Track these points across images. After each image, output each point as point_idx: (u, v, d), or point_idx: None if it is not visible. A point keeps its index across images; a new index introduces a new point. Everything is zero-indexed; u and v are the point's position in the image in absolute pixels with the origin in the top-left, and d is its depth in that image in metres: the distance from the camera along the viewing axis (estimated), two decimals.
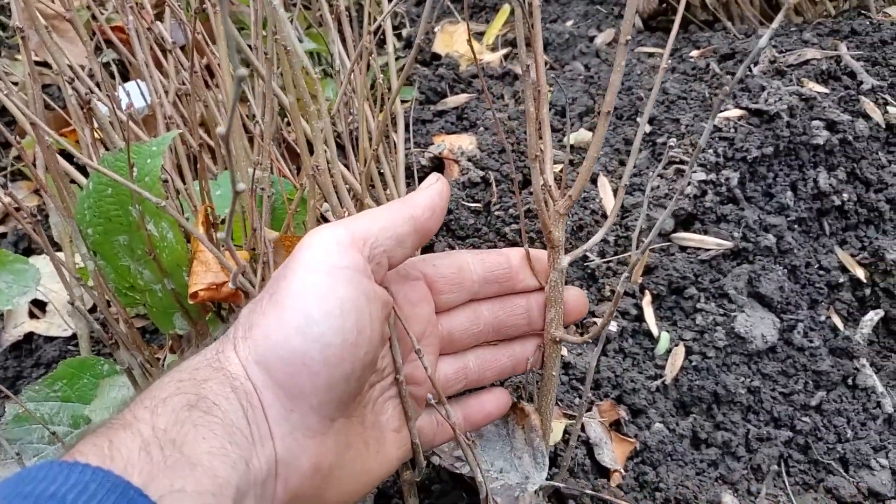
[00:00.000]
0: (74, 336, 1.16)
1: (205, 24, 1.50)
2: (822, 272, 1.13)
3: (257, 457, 0.50)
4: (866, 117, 1.17)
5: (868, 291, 1.14)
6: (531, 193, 1.15)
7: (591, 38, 1.52)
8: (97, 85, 0.97)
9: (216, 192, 0.92)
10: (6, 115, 1.63)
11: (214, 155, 1.11)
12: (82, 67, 1.43)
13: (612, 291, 1.07)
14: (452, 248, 1.14)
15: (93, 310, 1.16)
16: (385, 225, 0.59)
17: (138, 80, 1.25)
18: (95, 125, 0.85)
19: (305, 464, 0.54)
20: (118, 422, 0.46)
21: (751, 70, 1.26)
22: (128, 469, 0.42)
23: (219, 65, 0.94)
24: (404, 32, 1.70)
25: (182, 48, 1.15)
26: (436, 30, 1.61)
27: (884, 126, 1.17)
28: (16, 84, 1.62)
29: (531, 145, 0.67)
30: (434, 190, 0.64)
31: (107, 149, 0.89)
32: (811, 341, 1.07)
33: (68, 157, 1.22)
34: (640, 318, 1.06)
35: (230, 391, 0.51)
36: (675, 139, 1.18)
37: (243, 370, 0.52)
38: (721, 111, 1.19)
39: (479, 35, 1.62)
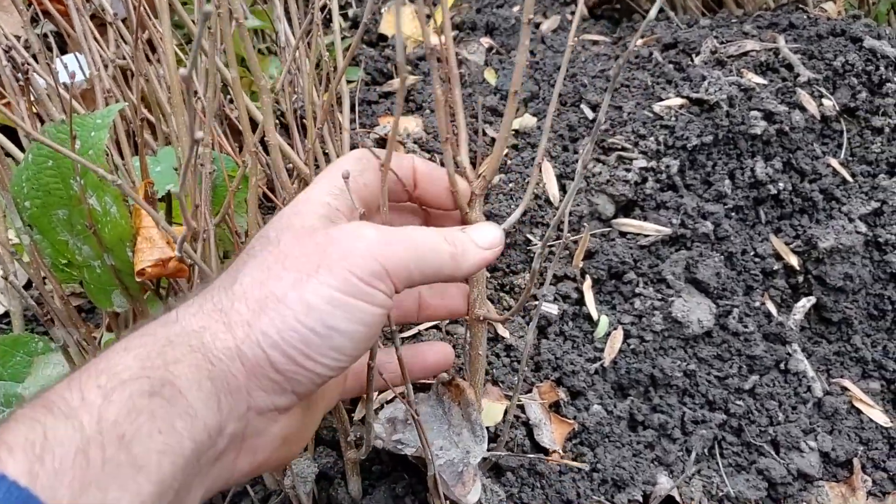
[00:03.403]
0: (7, 314, 1.13)
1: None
2: (757, 259, 1.15)
3: (219, 442, 0.48)
4: (802, 109, 1.20)
5: (801, 279, 1.17)
6: (478, 176, 1.16)
7: (537, 25, 1.53)
8: (34, 57, 0.94)
9: (156, 168, 0.90)
10: None
11: (154, 131, 1.08)
12: (17, 38, 1.39)
13: (555, 275, 1.08)
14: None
15: (27, 286, 1.13)
16: (425, 271, 0.57)
17: (76, 53, 1.22)
18: (32, 97, 0.83)
19: (277, 437, 0.53)
20: (61, 402, 0.43)
21: (692, 60, 1.28)
22: (56, 480, 0.39)
23: (161, 38, 0.91)
24: (350, 13, 1.68)
25: (123, 21, 1.12)
26: (382, 11, 1.60)
27: (819, 118, 1.20)
28: None
29: (441, 129, 0.67)
30: (493, 252, 0.63)
31: (42, 122, 0.87)
32: (746, 326, 1.10)
33: (1, 129, 1.18)
34: (580, 301, 1.07)
35: (205, 378, 0.48)
36: (616, 126, 1.19)
37: (235, 350, 0.50)
38: (662, 100, 1.21)
39: (428, 18, 1.61)
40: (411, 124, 1.25)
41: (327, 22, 1.46)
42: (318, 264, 0.52)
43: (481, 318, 0.73)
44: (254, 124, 1.25)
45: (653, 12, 0.55)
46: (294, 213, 0.58)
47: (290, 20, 0.97)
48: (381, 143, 1.23)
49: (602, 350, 1.04)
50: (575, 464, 0.89)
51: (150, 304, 0.88)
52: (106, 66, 1.01)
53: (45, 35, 1.30)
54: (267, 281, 0.52)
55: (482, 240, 0.62)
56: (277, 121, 1.20)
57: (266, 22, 1.39)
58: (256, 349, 0.49)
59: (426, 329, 1.01)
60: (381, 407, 0.92)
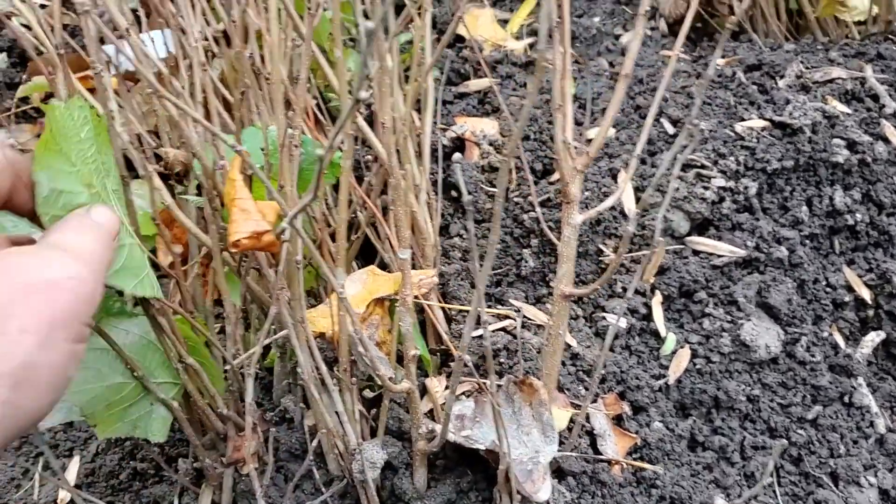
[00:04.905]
0: None
1: None
2: (828, 289, 1.14)
3: None
4: (886, 140, 1.18)
5: (871, 312, 1.15)
6: (550, 183, 1.16)
7: (617, 37, 1.52)
8: (126, 30, 0.96)
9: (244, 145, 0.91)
10: (12, 56, 1.61)
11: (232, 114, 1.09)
12: (102, 15, 1.41)
13: (624, 289, 1.07)
14: (467, 229, 1.14)
15: None
16: None
17: (163, 30, 1.24)
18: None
19: None
20: None
21: (776, 83, 1.27)
22: None
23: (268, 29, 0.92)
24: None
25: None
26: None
27: None
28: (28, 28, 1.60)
29: (555, 94, 0.67)
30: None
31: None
32: (813, 356, 1.08)
33: None
34: (648, 317, 1.06)
35: None
36: (698, 143, 1.18)
37: None
38: (744, 120, 1.19)
39: (504, 23, 1.61)
40: (487, 126, 1.25)
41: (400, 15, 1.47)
42: None
43: (566, 294, 0.73)
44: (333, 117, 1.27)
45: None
46: None
47: (366, 15, 0.98)
48: (457, 141, 1.23)
49: (667, 367, 1.03)
50: (649, 466, 0.89)
51: (229, 280, 0.89)
52: (206, 40, 1.02)
53: (134, 10, 1.32)
54: None
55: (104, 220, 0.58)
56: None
57: (349, 13, 1.40)
58: None
59: (497, 317, 1.01)
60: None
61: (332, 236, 0.95)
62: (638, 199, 1.13)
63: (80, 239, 0.55)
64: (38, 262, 0.51)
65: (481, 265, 0.61)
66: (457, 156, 1.19)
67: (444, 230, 1.15)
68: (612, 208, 1.12)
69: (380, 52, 0.74)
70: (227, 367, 0.82)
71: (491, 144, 1.21)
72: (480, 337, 0.96)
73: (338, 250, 0.79)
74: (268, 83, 0.90)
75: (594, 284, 0.71)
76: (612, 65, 1.42)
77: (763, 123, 1.18)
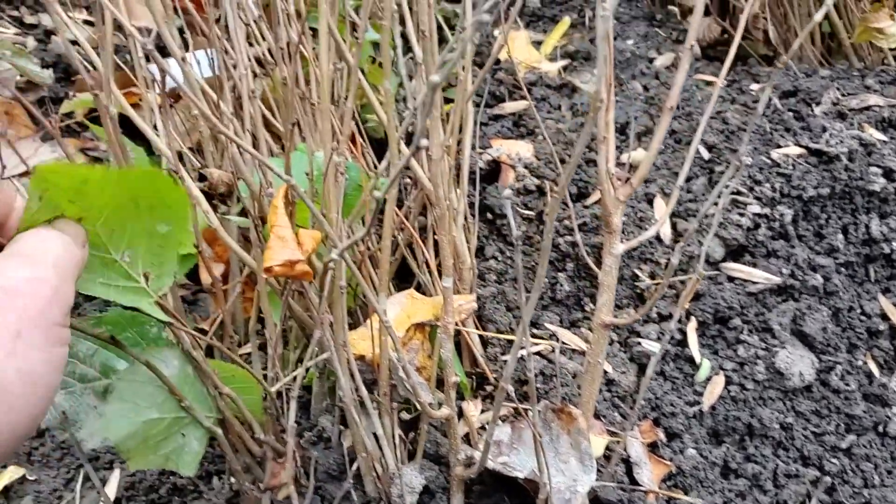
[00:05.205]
0: None
1: (266, 7, 1.51)
2: (863, 317, 1.14)
3: None
4: None
5: None
6: (585, 207, 1.16)
7: (651, 60, 1.53)
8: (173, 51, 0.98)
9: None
10: (57, 71, 1.64)
11: (277, 137, 1.11)
12: (148, 31, 1.44)
13: (660, 314, 1.08)
14: (502, 252, 1.15)
15: None
16: None
17: (206, 49, 1.26)
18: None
19: None
20: None
21: (812, 110, 1.27)
22: None
23: (316, 58, 0.94)
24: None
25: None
26: (495, 34, 1.62)
27: None
28: (74, 43, 1.63)
29: (600, 127, 0.68)
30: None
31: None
32: (847, 384, 1.08)
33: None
34: (683, 343, 1.07)
35: None
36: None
37: None
38: (780, 147, 1.20)
39: (538, 44, 1.63)
40: (522, 149, 1.26)
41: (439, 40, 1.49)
42: None
43: (607, 324, 0.74)
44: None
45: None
46: None
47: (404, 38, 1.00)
48: (492, 164, 1.24)
49: (701, 394, 1.04)
50: (685, 497, 0.89)
51: (271, 301, 0.91)
52: (234, 67, 1.05)
53: (181, 30, 1.35)
54: None
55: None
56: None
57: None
58: None
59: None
60: (483, 427, 0.93)
61: (371, 258, 0.96)
62: (674, 225, 1.13)
63: (39, 245, 0.51)
64: None
65: (527, 296, 0.62)
66: (507, 192, 1.19)
67: (479, 251, 1.16)
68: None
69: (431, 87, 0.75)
70: (266, 396, 0.83)
71: (526, 167, 1.22)
72: (518, 360, 0.97)
73: (381, 276, 0.81)
74: (312, 108, 0.92)
75: (635, 315, 0.72)
76: (646, 88, 1.43)
77: (799, 150, 1.18)
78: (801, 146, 1.19)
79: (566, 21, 1.66)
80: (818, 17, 0.63)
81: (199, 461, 0.77)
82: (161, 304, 0.67)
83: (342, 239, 0.79)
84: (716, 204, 1.09)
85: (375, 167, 1.15)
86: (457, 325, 0.94)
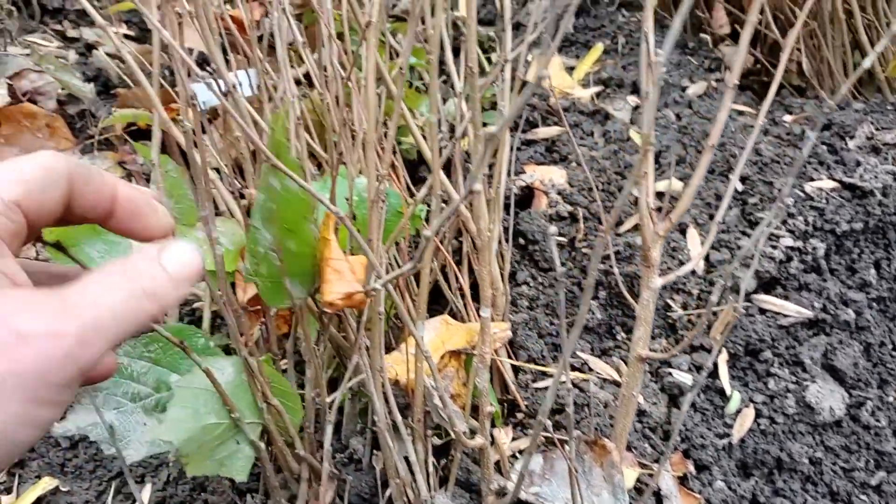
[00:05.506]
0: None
1: (307, 28, 1.53)
2: (895, 353, 1.13)
3: None
4: None
5: None
6: (618, 235, 1.17)
7: (684, 89, 1.54)
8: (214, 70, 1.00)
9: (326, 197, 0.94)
10: (97, 84, 1.67)
11: (319, 163, 1.12)
12: (191, 51, 1.47)
13: (691, 345, 1.08)
14: (534, 278, 1.16)
15: None
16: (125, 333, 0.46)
17: (247, 70, 1.28)
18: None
19: None
20: None
21: (846, 143, 1.27)
22: None
23: (364, 84, 0.95)
24: (493, 57, 1.72)
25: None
26: (528, 58, 1.63)
27: None
28: (112, 57, 1.66)
29: (638, 167, 0.69)
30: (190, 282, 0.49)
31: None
32: (877, 420, 1.08)
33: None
34: (714, 374, 1.07)
35: None
36: (765, 201, 1.19)
37: None
38: (814, 181, 1.20)
39: (570, 70, 1.64)
40: (555, 175, 1.27)
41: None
42: None
43: (643, 357, 0.74)
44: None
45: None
46: None
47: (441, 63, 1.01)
48: (526, 190, 1.25)
49: (731, 426, 1.04)
50: None
51: (310, 324, 0.92)
52: (275, 88, 1.07)
53: (224, 50, 1.37)
54: None
55: (175, 269, 0.48)
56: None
57: (421, 58, 1.44)
58: None
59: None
60: (515, 456, 0.93)
61: (406, 283, 0.97)
62: (706, 257, 1.13)
63: (99, 292, 0.46)
64: (15, 310, 0.43)
65: (568, 331, 0.63)
66: (552, 229, 1.20)
67: (511, 276, 1.17)
68: (682, 262, 1.13)
69: (475, 123, 0.76)
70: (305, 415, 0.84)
71: (559, 193, 1.23)
72: (547, 388, 0.98)
73: (419, 303, 0.82)
74: (352, 132, 0.93)
75: (672, 351, 0.72)
76: (678, 117, 1.43)
77: (833, 184, 1.18)
78: (834, 180, 1.19)
79: (599, 47, 1.67)
80: (866, 63, 0.64)
81: (250, 467, 0.79)
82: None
83: (383, 265, 0.80)
84: (755, 241, 1.10)
85: (408, 188, 1.17)
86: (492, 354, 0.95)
